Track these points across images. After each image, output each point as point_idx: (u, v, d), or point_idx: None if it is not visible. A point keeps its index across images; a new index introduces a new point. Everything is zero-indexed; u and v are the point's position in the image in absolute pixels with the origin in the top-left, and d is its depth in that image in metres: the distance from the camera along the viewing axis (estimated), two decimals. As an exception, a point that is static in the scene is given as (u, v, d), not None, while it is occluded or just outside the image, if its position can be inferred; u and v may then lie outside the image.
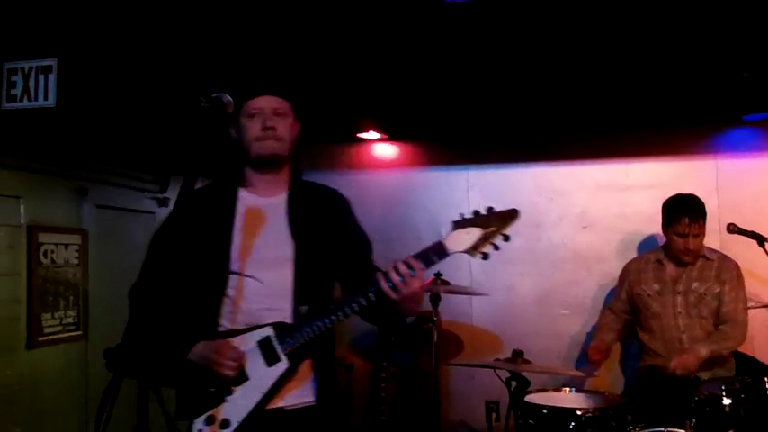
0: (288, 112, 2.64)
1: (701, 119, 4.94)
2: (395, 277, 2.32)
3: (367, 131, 5.33)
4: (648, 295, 4.44)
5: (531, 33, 3.35)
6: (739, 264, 4.43)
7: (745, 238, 4.29)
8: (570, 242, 5.27)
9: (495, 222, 2.32)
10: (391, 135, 5.48)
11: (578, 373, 4.58)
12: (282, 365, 2.42)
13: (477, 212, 2.34)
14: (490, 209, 2.34)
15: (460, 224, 2.35)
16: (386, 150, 5.68)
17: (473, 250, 2.32)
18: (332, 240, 2.61)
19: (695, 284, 4.35)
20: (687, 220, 4.27)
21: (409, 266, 2.32)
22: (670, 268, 4.44)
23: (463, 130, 5.32)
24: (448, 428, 5.23)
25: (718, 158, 5.11)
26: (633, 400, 4.08)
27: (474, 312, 5.36)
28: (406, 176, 5.58)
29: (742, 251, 4.48)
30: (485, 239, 2.31)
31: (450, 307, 5.16)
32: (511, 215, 2.32)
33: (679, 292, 4.36)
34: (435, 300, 4.74)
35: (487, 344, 5.24)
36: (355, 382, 5.22)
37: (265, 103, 2.60)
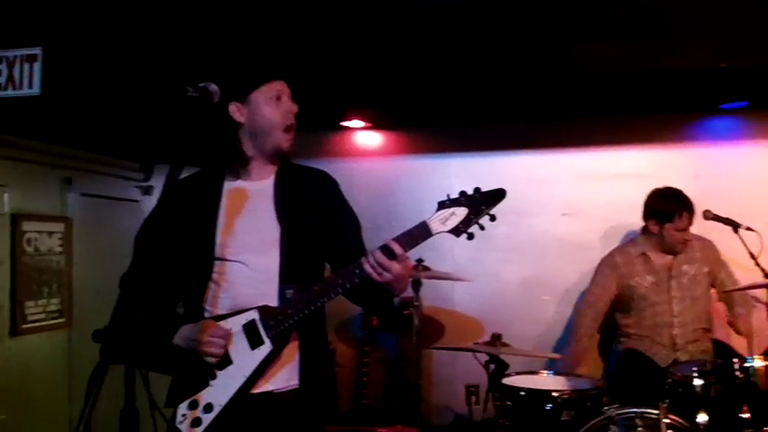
0: None
1: (680, 107, 5.00)
2: (380, 259, 2.30)
3: (351, 120, 5.34)
4: (645, 287, 4.49)
5: (509, 22, 3.39)
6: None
7: (721, 224, 4.38)
8: (553, 229, 5.32)
9: (482, 202, 2.28)
10: (375, 123, 5.51)
11: (554, 356, 4.63)
12: (266, 348, 2.40)
13: (463, 193, 2.30)
14: (477, 189, 2.30)
15: (446, 204, 2.31)
16: (370, 139, 5.69)
17: (458, 230, 2.29)
18: (319, 222, 2.56)
19: (685, 267, 4.47)
20: (687, 215, 4.36)
21: (392, 249, 2.30)
22: (658, 259, 4.51)
23: (447, 118, 5.34)
24: (430, 412, 5.30)
25: (696, 147, 5.17)
26: (611, 382, 4.16)
27: (456, 298, 5.40)
28: (391, 164, 5.60)
29: (717, 237, 4.58)
30: (471, 219, 2.28)
31: (433, 293, 5.21)
32: (498, 195, 2.28)
33: (672, 277, 4.45)
34: (417, 285, 4.79)
35: (469, 329, 5.28)
36: (339, 368, 5.26)
37: (283, 86, 2.57)
